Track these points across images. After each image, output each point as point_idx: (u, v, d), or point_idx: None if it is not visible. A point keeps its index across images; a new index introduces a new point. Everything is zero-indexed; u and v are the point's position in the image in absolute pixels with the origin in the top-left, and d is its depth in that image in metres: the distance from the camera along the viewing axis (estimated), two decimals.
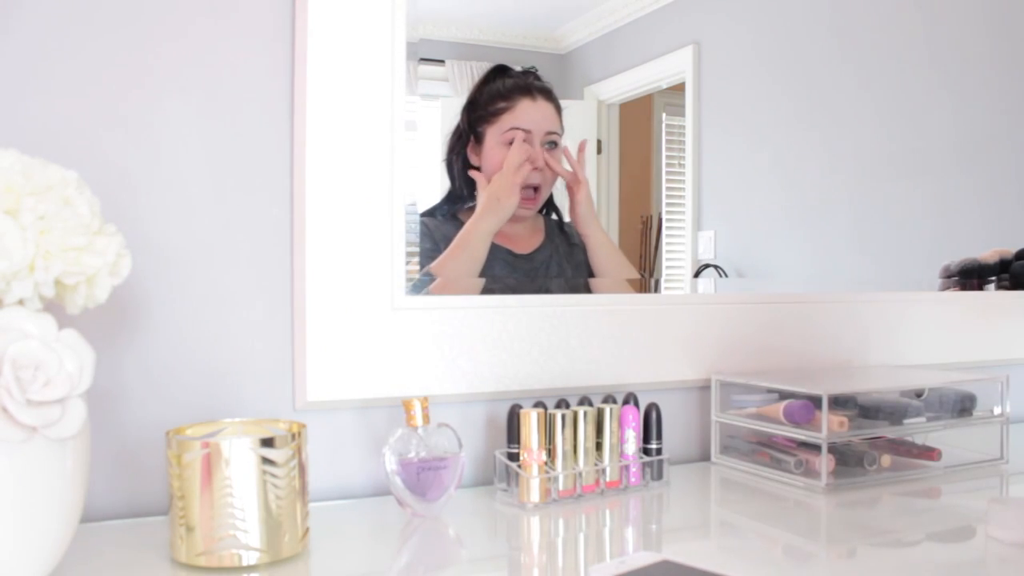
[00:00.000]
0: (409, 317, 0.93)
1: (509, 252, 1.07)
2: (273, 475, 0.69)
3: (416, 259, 0.95)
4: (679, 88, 1.22)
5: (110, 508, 0.83)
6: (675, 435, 1.09)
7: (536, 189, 1.08)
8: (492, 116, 1.06)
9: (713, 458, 1.07)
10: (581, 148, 1.10)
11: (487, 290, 1.02)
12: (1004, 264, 1.41)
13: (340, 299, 0.89)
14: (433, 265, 0.99)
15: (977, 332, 1.33)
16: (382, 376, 0.92)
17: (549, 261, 1.09)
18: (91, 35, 0.82)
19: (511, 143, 1.05)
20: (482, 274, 1.03)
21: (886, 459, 1.01)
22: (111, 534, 0.78)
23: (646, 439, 0.95)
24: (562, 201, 1.11)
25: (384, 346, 0.92)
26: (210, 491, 0.67)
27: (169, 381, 0.86)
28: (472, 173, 1.05)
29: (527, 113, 1.06)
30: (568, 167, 1.09)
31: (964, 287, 1.38)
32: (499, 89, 1.06)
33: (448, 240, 1.02)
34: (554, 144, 1.08)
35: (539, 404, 0.91)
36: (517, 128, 1.05)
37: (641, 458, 0.95)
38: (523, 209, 1.07)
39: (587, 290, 1.10)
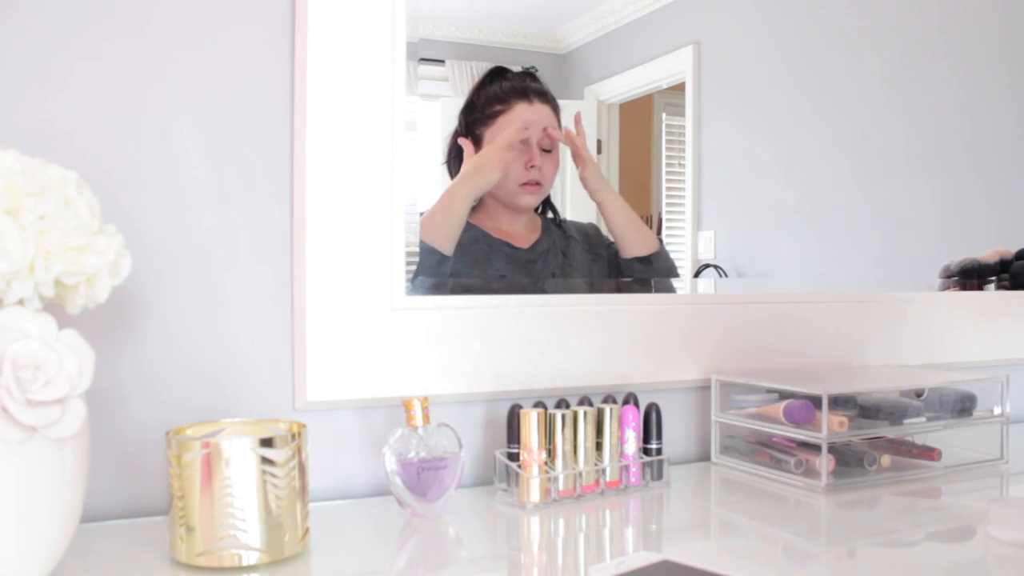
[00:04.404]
0: (409, 317, 0.93)
1: (508, 245, 1.08)
2: (273, 475, 0.69)
3: (416, 259, 0.95)
4: (679, 88, 1.22)
5: (110, 508, 0.83)
6: (675, 435, 1.09)
7: (538, 183, 1.09)
8: (489, 119, 1.06)
9: (713, 458, 1.07)
10: (577, 120, 1.10)
11: (487, 289, 1.02)
12: (1004, 264, 1.41)
13: (340, 299, 0.89)
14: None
15: (977, 332, 1.33)
16: (382, 376, 0.92)
17: (547, 254, 1.10)
18: (91, 35, 0.82)
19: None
20: (483, 269, 1.03)
21: (886, 459, 1.01)
22: (111, 534, 0.78)
23: (646, 439, 0.95)
24: (559, 200, 1.12)
25: (384, 346, 0.92)
26: (210, 491, 0.67)
27: (169, 381, 0.86)
28: (462, 140, 1.05)
29: (524, 115, 1.07)
30: (575, 152, 1.10)
31: (964, 287, 1.38)
32: (496, 92, 1.07)
33: None
34: (550, 148, 1.09)
35: (539, 404, 0.91)
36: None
37: (641, 458, 0.95)
38: (527, 196, 1.08)
39: (587, 288, 1.10)
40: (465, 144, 1.05)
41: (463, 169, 1.05)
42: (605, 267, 1.13)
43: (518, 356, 0.99)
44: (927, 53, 1.39)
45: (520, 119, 1.06)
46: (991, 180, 1.45)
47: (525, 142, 1.06)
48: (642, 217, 1.18)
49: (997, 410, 1.08)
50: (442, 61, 1.05)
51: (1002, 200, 1.46)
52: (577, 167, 1.10)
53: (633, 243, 1.11)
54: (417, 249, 0.95)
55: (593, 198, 1.11)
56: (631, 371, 1.05)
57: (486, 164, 1.04)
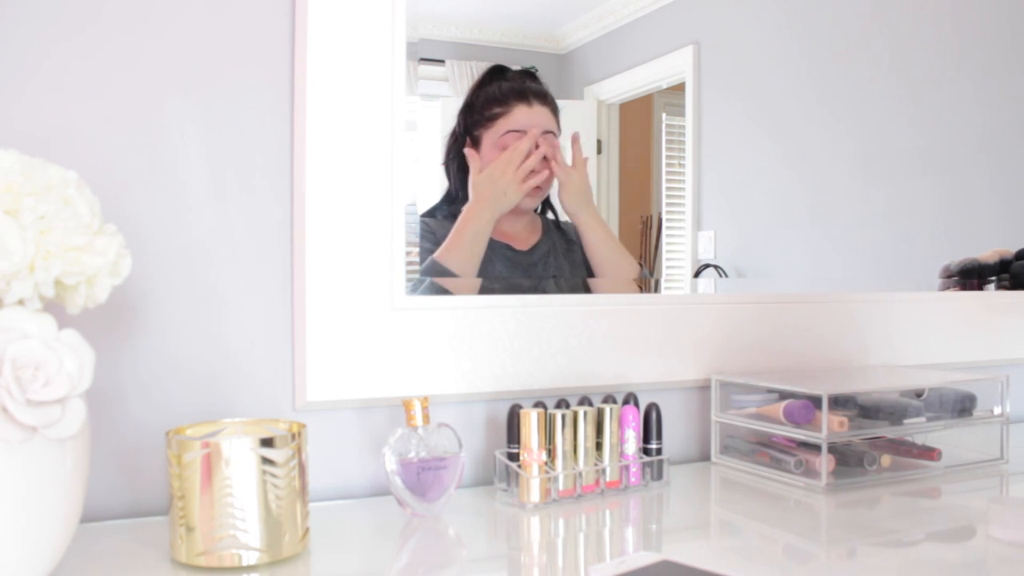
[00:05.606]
0: (409, 317, 0.93)
1: (509, 248, 1.07)
2: (273, 475, 0.69)
3: (416, 260, 0.95)
4: (679, 88, 1.22)
5: (110, 508, 0.83)
6: (675, 435, 1.09)
7: (538, 186, 1.09)
8: (488, 121, 1.06)
9: (713, 458, 1.07)
10: (574, 140, 1.10)
11: (487, 288, 1.02)
12: (1004, 264, 1.41)
13: (340, 299, 0.89)
14: (438, 254, 0.99)
15: (977, 332, 1.33)
16: (382, 376, 0.92)
17: (548, 256, 1.10)
18: (91, 34, 0.82)
19: (506, 148, 1.05)
20: (483, 271, 1.03)
21: (886, 459, 1.01)
22: (111, 534, 0.78)
23: (646, 439, 0.95)
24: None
25: (384, 346, 0.92)
26: (210, 491, 0.67)
27: (169, 381, 0.86)
28: (467, 151, 1.05)
29: (524, 117, 1.07)
30: (566, 160, 1.09)
31: (964, 287, 1.38)
32: (495, 93, 1.06)
33: None
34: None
35: (539, 404, 0.91)
36: (513, 131, 1.05)
37: (641, 458, 0.95)
38: (529, 200, 1.08)
39: (586, 288, 1.10)
40: (471, 155, 1.05)
41: (480, 191, 1.04)
42: None
43: (518, 356, 0.99)
44: (932, 51, 1.39)
45: (520, 122, 1.06)
46: (998, 179, 1.45)
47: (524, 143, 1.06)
48: (642, 217, 1.18)
49: (997, 410, 1.08)
50: (442, 61, 1.05)
51: (1010, 199, 1.46)
52: (560, 183, 1.10)
53: (609, 276, 1.11)
54: (418, 250, 0.95)
55: (572, 219, 1.11)
56: (631, 371, 1.05)
57: (508, 187, 1.04)
